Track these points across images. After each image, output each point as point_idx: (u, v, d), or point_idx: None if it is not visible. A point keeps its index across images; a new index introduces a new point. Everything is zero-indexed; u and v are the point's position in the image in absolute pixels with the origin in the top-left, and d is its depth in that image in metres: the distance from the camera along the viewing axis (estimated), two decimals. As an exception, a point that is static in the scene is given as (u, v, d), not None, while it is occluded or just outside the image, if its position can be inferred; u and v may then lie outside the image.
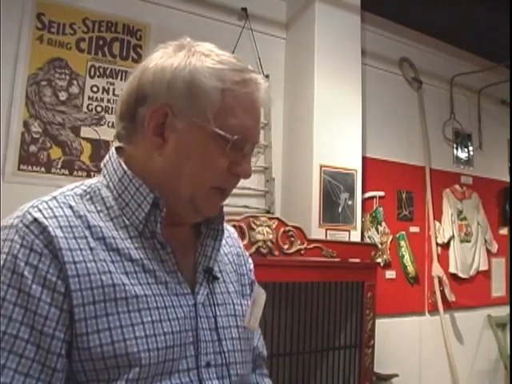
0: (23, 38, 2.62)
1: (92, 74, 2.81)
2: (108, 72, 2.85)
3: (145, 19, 2.99)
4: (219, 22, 3.21)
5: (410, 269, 3.91)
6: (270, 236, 2.55)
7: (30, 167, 2.59)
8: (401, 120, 4.06)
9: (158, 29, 3.01)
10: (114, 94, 2.84)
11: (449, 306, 4.11)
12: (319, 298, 2.75)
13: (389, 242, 3.79)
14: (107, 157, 0.96)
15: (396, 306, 3.77)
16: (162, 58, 0.91)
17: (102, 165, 0.96)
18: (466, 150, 4.58)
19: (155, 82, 0.89)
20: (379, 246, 3.61)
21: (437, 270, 4.03)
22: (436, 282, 4.02)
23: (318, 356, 2.77)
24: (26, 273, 0.77)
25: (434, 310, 4.06)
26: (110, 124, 2.82)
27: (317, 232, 3.05)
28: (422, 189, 4.11)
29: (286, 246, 2.61)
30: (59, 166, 2.67)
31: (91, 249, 0.82)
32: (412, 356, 3.92)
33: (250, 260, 1.15)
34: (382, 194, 3.78)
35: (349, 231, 3.22)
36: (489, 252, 4.56)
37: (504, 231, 4.79)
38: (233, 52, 3.34)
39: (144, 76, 0.91)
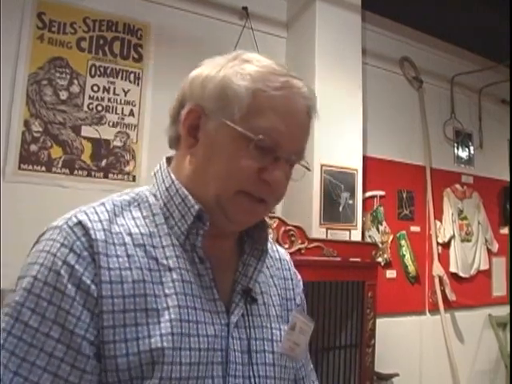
0: (24, 37, 2.62)
1: (92, 73, 2.81)
2: (109, 71, 2.85)
3: (145, 18, 2.99)
4: (220, 21, 3.21)
5: (411, 268, 3.91)
6: (271, 235, 2.54)
7: (30, 166, 2.59)
8: (401, 119, 4.06)
9: (159, 28, 3.02)
10: (114, 94, 2.84)
11: (449, 305, 4.11)
12: (320, 297, 2.75)
13: (389, 242, 3.79)
14: (158, 166, 0.97)
15: (397, 306, 3.77)
16: (205, 65, 0.93)
17: (152, 173, 0.97)
18: (466, 149, 4.58)
19: (193, 82, 0.91)
20: (380, 245, 3.61)
21: (437, 269, 4.03)
22: (437, 281, 4.02)
23: (319, 355, 2.77)
24: (62, 271, 0.78)
25: (434, 310, 4.05)
26: (111, 123, 2.82)
27: (317, 231, 3.05)
28: (422, 188, 4.11)
29: (286, 246, 2.61)
30: (60, 165, 2.67)
31: (128, 256, 0.82)
32: (413, 355, 3.92)
33: (301, 283, 1.10)
34: (382, 193, 3.78)
35: (349, 230, 3.22)
36: (489, 251, 4.56)
37: (505, 230, 4.79)
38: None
39: (186, 81, 0.93)
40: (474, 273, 4.38)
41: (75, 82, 2.75)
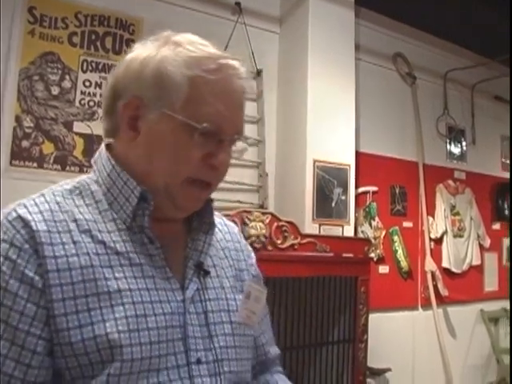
0: (15, 32, 2.60)
1: (84, 68, 2.79)
2: (100, 66, 2.83)
3: (138, 13, 2.97)
4: (213, 16, 3.20)
5: (403, 263, 3.92)
6: (264, 231, 2.54)
7: (22, 162, 2.57)
8: (394, 115, 4.07)
9: (151, 23, 3.00)
10: (106, 89, 2.83)
11: (442, 300, 4.13)
12: (313, 293, 2.76)
13: (382, 237, 3.80)
14: (97, 153, 0.96)
15: (389, 301, 3.78)
16: (137, 51, 0.91)
17: (92, 161, 0.96)
18: (459, 145, 4.59)
19: (127, 74, 0.90)
20: (372, 240, 3.62)
21: (430, 264, 4.04)
22: (429, 276, 4.04)
23: (312, 351, 2.78)
24: (4, 268, 0.78)
25: (427, 305, 4.07)
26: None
27: (310, 227, 3.05)
28: (415, 184, 4.12)
29: (279, 241, 2.61)
30: (52, 161, 2.65)
31: (74, 242, 0.82)
32: (405, 350, 3.94)
33: (253, 255, 1.12)
34: (375, 189, 3.79)
35: (342, 226, 3.23)
36: (481, 247, 4.58)
37: (497, 226, 4.81)
38: (226, 47, 3.31)
39: (119, 70, 0.92)
40: (466, 268, 4.41)
41: (67, 77, 2.74)
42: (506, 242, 4.91)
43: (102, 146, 0.96)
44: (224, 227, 1.08)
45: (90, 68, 2.80)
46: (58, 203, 0.86)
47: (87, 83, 2.79)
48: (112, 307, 0.80)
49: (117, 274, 0.82)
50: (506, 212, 4.76)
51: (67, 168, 2.69)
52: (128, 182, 0.88)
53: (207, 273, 0.94)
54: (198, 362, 0.86)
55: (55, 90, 2.70)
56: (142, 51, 0.90)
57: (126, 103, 0.88)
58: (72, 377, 0.78)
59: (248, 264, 1.07)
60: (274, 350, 1.13)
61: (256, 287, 1.01)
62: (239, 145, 0.96)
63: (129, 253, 0.85)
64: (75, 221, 0.84)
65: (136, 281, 0.84)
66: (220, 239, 1.04)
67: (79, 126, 2.75)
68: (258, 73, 3.29)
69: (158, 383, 0.81)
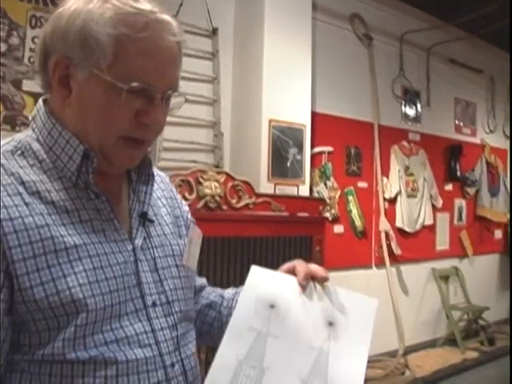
0: (-44, -16, 2.50)
1: (33, 24, 2.70)
2: (50, 22, 2.74)
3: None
4: (166, -28, 3.12)
5: (358, 223, 4.00)
6: (218, 190, 2.55)
7: (-32, 121, 2.50)
8: (350, 76, 4.08)
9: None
10: (56, 46, 2.74)
11: (395, 259, 4.25)
12: (268, 252, 2.79)
13: (337, 197, 3.85)
14: (35, 110, 0.95)
15: (344, 260, 3.87)
16: (65, 5, 0.89)
17: (30, 117, 0.95)
18: (414, 107, 4.66)
19: (54, 31, 0.88)
20: (327, 200, 3.67)
21: (384, 224, 4.14)
22: (383, 236, 4.14)
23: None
24: None
25: (380, 264, 4.18)
26: (53, 77, 2.73)
27: (265, 187, 3.07)
28: (370, 145, 4.18)
29: (234, 201, 2.62)
30: (0, 121, 2.58)
31: (26, 204, 0.82)
32: (359, 308, 4.04)
33: (184, 202, 1.19)
34: (330, 149, 3.82)
35: (297, 186, 3.26)
36: (434, 207, 4.71)
37: (449, 187, 4.94)
38: (181, 4, 3.20)
39: (48, 25, 0.90)
40: (418, 228, 4.53)
41: (14, 33, 2.64)
42: (457, 202, 5.06)
43: (40, 101, 0.95)
44: (157, 177, 1.11)
45: (39, 24, 2.71)
46: (1, 166, 0.85)
47: (36, 40, 2.69)
48: (70, 262, 0.83)
49: (70, 231, 0.85)
50: (458, 173, 4.88)
51: (17, 128, 2.62)
52: (70, 140, 0.89)
53: (151, 221, 1.00)
54: (154, 304, 0.93)
55: (2, 47, 2.61)
56: (69, 5, 0.88)
57: (55, 62, 0.88)
58: (38, 329, 0.81)
59: (182, 211, 1.13)
60: (202, 280, 1.23)
61: (195, 233, 1.09)
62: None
63: (78, 210, 0.88)
64: (23, 183, 0.84)
65: (88, 236, 0.87)
66: (156, 189, 1.08)
67: (28, 85, 2.66)
68: (214, 31, 3.24)
69: (120, 327, 0.87)
